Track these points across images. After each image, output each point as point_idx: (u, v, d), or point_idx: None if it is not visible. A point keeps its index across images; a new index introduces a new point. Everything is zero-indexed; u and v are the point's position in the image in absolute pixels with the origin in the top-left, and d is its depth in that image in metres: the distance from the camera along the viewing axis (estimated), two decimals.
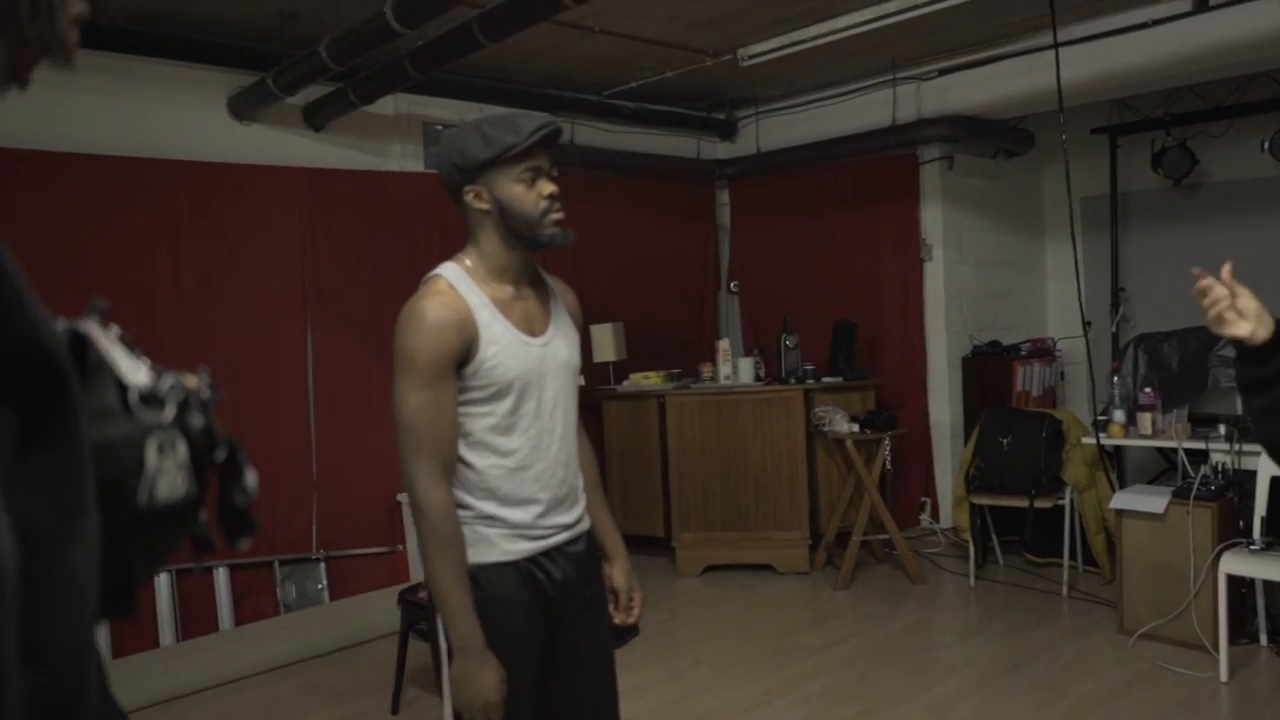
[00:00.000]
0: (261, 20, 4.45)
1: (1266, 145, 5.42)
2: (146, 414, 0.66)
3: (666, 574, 5.44)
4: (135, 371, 0.67)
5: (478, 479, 1.80)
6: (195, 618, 4.46)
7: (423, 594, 2.92)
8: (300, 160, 5.01)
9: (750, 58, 5.20)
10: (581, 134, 6.13)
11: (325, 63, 4.13)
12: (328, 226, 5.02)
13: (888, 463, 5.17)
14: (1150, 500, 4.07)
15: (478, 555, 1.79)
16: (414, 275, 1.86)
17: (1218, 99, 5.67)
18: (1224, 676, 3.64)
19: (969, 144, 6.06)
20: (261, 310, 4.79)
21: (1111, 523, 4.44)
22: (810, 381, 5.47)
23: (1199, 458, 4.25)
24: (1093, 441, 4.70)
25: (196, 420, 0.70)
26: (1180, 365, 4.74)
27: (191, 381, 0.73)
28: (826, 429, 5.23)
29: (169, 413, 0.68)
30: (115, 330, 0.69)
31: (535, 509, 1.83)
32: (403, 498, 4.74)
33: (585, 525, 1.95)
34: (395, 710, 3.71)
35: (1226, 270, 1.60)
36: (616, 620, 2.02)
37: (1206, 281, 1.59)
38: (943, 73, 5.74)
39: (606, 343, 5.76)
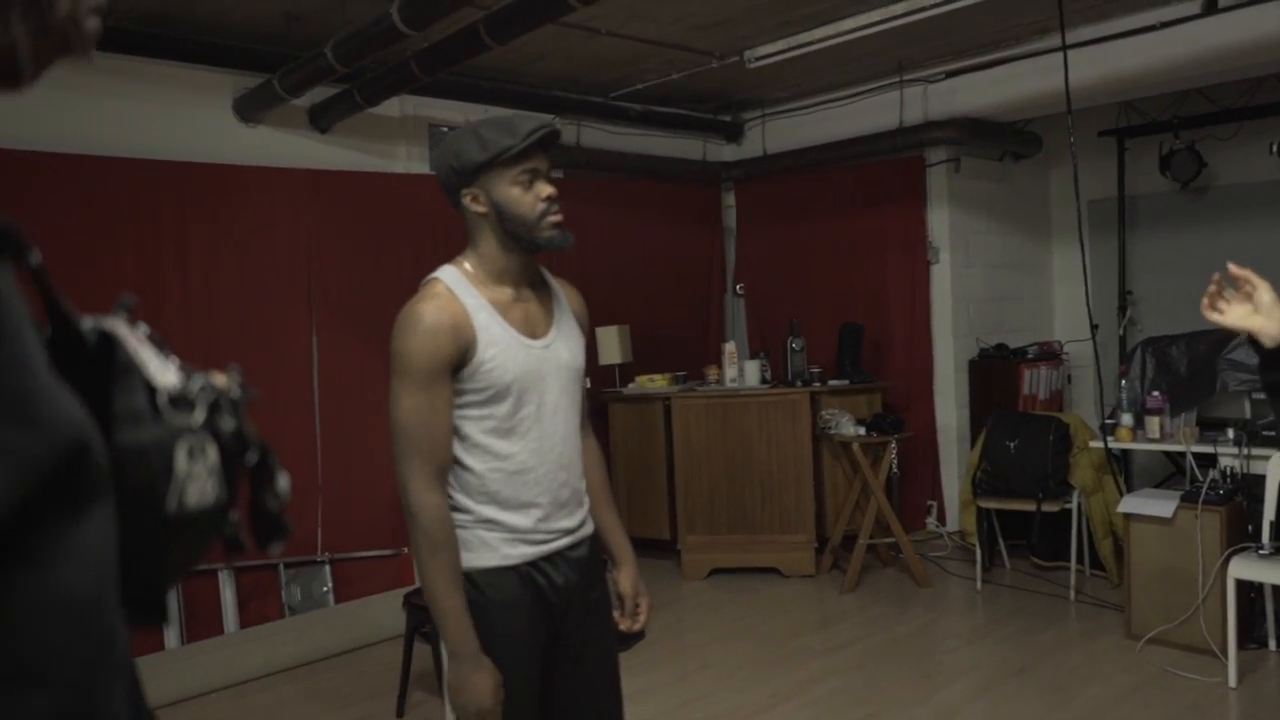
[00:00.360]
0: (267, 22, 4.45)
1: (1275, 148, 5.38)
2: (176, 417, 0.64)
3: (672, 577, 5.43)
4: (164, 372, 0.65)
5: (478, 482, 1.79)
6: (200, 620, 4.46)
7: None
8: (305, 162, 5.00)
9: (757, 60, 5.19)
10: (587, 136, 6.12)
11: (331, 64, 4.12)
12: (333, 228, 5.01)
13: (894, 466, 5.15)
14: (1158, 504, 4.04)
15: (478, 560, 1.78)
16: (419, 277, 1.86)
17: (1227, 101, 5.65)
18: (1233, 682, 3.61)
19: (976, 146, 6.04)
20: (267, 312, 4.78)
21: (1119, 527, 4.42)
22: (816, 384, 5.46)
23: (1207, 462, 4.23)
24: (1100, 445, 4.68)
25: (227, 423, 0.68)
26: (1189, 369, 4.72)
27: (221, 381, 0.71)
28: (833, 432, 5.22)
29: (199, 415, 0.66)
30: (144, 328, 0.66)
31: (536, 513, 1.81)
32: None
33: (588, 530, 1.94)
34: (400, 714, 3.70)
35: (1233, 268, 1.60)
36: (622, 626, 2.00)
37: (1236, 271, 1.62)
38: (950, 75, 5.72)
39: (612, 345, 5.75)
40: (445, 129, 5.46)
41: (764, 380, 5.62)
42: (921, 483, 6.11)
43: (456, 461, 1.78)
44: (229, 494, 0.68)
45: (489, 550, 1.78)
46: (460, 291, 1.77)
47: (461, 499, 1.79)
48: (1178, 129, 5.81)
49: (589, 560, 1.92)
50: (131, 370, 0.63)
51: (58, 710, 0.52)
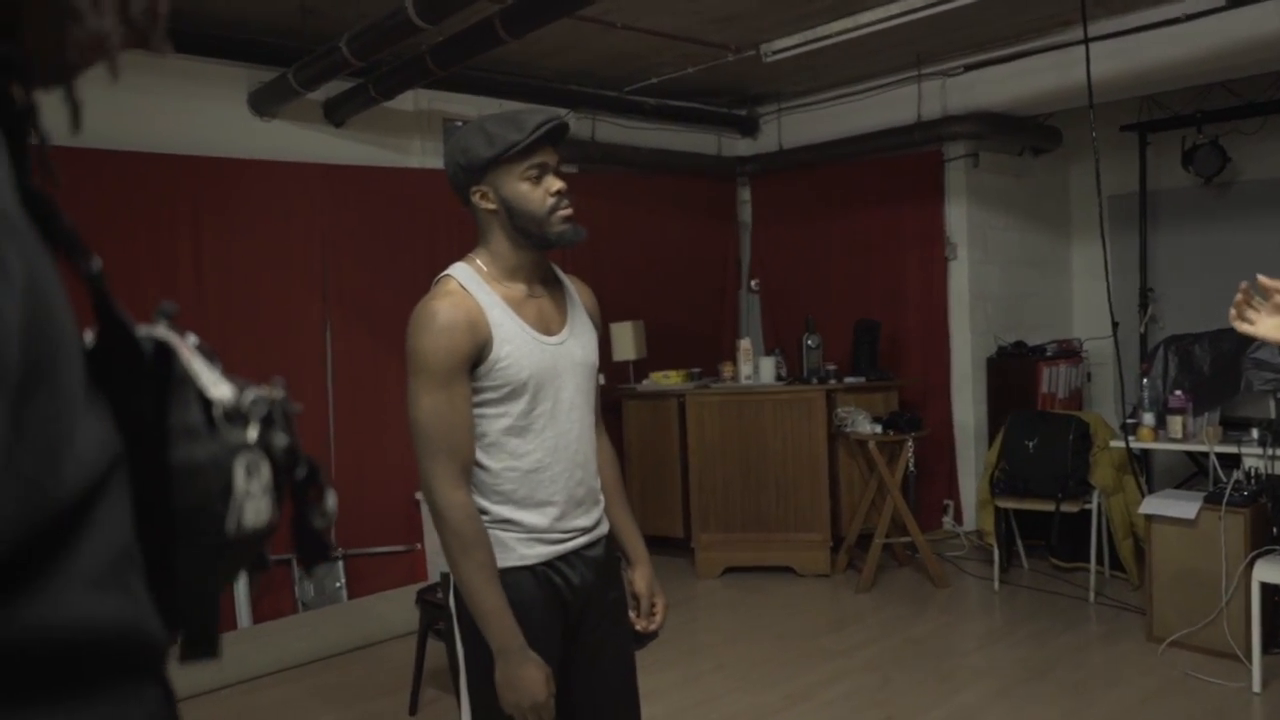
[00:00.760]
0: (283, 15, 4.44)
1: None
2: (232, 432, 0.60)
3: (685, 575, 5.39)
4: (218, 385, 0.61)
5: (493, 481, 1.77)
6: None
7: (441, 594, 2.89)
8: (320, 156, 4.99)
9: (773, 53, 5.14)
10: (602, 131, 6.09)
11: (346, 58, 4.11)
12: (348, 223, 5.00)
13: (910, 464, 5.10)
14: (1181, 506, 3.98)
15: (496, 560, 1.76)
16: (434, 272, 1.84)
17: (1251, 95, 5.56)
18: (1256, 687, 3.56)
19: (995, 141, 5.97)
20: (281, 306, 4.78)
21: (1140, 528, 4.36)
22: (832, 382, 5.41)
23: (1231, 462, 4.16)
24: (1121, 445, 4.61)
25: (280, 439, 0.64)
26: (1212, 367, 4.64)
27: (274, 394, 0.67)
28: (848, 430, 5.17)
29: (253, 431, 0.62)
30: (193, 338, 0.62)
31: (552, 512, 1.80)
32: (420, 496, 4.71)
33: (604, 529, 1.92)
34: (413, 711, 3.68)
35: (1263, 279, 1.57)
36: (638, 627, 1.98)
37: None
38: (969, 69, 5.65)
39: (626, 341, 5.71)
40: (459, 123, 5.44)
41: (779, 377, 5.57)
42: (938, 482, 6.05)
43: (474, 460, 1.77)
44: (279, 513, 0.64)
45: (506, 550, 1.77)
46: (474, 288, 1.76)
47: (478, 500, 1.77)
48: (1201, 123, 5.72)
49: (605, 560, 1.91)
50: (186, 383, 0.59)
51: None
